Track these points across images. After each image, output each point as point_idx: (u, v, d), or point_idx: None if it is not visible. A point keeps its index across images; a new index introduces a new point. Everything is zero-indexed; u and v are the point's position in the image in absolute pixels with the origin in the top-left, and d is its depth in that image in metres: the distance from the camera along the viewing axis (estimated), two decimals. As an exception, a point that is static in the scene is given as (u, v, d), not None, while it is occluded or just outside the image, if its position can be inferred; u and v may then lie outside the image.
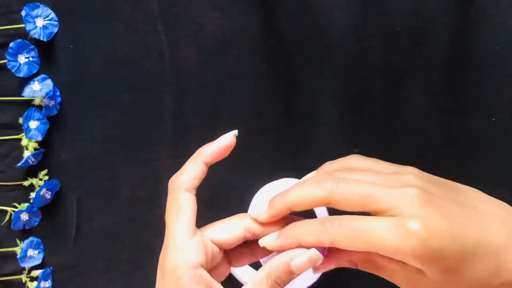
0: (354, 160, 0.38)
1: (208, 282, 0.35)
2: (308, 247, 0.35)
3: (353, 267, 0.37)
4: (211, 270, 0.37)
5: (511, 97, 0.51)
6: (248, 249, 0.40)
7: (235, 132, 0.39)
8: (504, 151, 0.52)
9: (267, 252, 0.39)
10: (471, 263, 0.32)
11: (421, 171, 0.36)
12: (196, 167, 0.38)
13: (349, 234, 0.33)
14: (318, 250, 0.35)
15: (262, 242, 0.37)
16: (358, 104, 0.52)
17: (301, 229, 0.35)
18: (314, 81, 0.52)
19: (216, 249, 0.38)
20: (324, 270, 0.37)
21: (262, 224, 0.37)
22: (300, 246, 0.35)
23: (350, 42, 0.51)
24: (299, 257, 0.35)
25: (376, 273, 0.36)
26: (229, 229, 0.38)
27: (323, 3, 0.51)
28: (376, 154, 0.39)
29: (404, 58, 0.51)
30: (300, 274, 0.35)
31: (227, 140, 0.39)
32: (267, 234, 0.37)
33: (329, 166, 0.39)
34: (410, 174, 0.35)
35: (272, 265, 0.35)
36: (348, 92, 0.52)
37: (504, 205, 0.36)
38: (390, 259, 0.35)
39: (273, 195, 0.37)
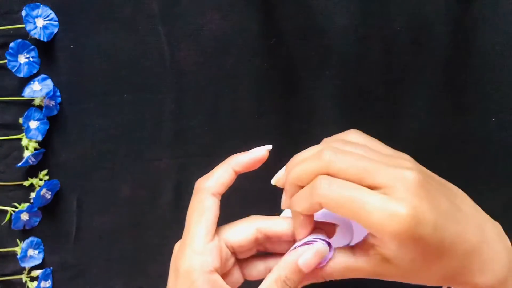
0: (353, 135, 0.38)
1: (222, 287, 0.35)
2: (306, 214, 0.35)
3: (321, 281, 0.37)
4: (223, 275, 0.37)
5: (511, 97, 0.51)
6: (262, 261, 0.40)
7: (269, 147, 0.39)
8: (504, 151, 0.52)
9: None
10: (442, 258, 0.33)
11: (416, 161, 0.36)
12: (226, 174, 0.38)
13: (339, 198, 0.33)
14: (324, 244, 0.35)
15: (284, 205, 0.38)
16: (358, 104, 0.52)
17: (296, 198, 0.36)
18: (314, 81, 0.52)
19: (229, 253, 0.38)
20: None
21: (288, 233, 0.38)
22: (304, 217, 0.35)
23: (350, 42, 0.51)
24: (305, 254, 0.35)
25: (345, 277, 0.36)
26: (241, 230, 0.38)
27: (323, 3, 0.51)
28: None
29: (404, 58, 0.51)
30: (310, 272, 0.35)
31: (260, 153, 0.39)
32: (278, 236, 0.38)
33: (328, 140, 0.39)
34: (408, 160, 0.35)
35: (280, 267, 0.35)
36: (348, 92, 0.52)
37: (482, 213, 0.37)
38: (356, 257, 0.35)
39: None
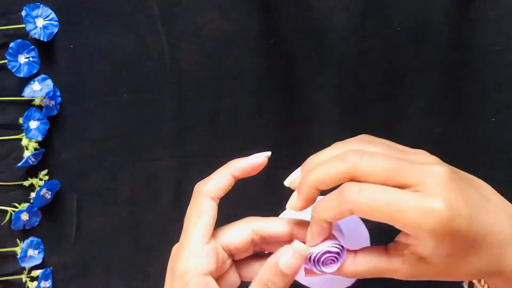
0: (365, 138, 0.37)
1: None
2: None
3: (352, 277, 0.36)
4: (219, 277, 0.37)
5: (511, 97, 0.51)
6: (258, 261, 0.40)
7: (268, 153, 0.39)
8: (504, 151, 0.52)
9: None
10: (477, 250, 0.33)
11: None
12: (225, 178, 0.38)
13: (370, 203, 0.32)
14: (340, 250, 0.35)
15: (288, 207, 0.37)
16: (358, 104, 0.52)
17: (321, 206, 0.34)
18: (314, 81, 0.52)
19: (225, 255, 0.38)
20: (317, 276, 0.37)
21: (285, 235, 0.37)
22: (328, 225, 0.35)
23: (350, 42, 0.51)
24: (285, 255, 0.34)
25: (378, 276, 0.36)
26: (237, 232, 0.38)
27: (323, 3, 0.51)
28: (376, 154, 0.39)
29: (404, 58, 0.51)
30: (293, 273, 0.35)
31: (259, 159, 0.39)
32: (274, 237, 0.38)
33: (341, 143, 0.38)
34: (429, 155, 0.35)
35: (262, 271, 0.35)
36: (348, 92, 0.52)
37: (505, 199, 0.36)
38: (390, 258, 0.34)
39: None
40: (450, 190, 0.32)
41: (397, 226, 0.33)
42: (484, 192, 0.35)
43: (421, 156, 0.35)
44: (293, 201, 0.36)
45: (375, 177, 0.33)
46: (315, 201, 0.36)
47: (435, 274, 0.34)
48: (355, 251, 0.36)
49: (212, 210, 0.37)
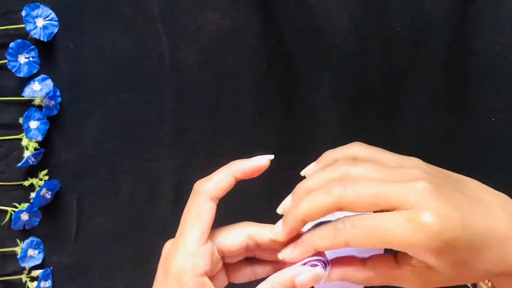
0: (356, 149, 0.38)
1: None
2: (323, 252, 0.35)
3: (361, 284, 0.36)
4: (210, 278, 0.37)
5: (511, 97, 0.51)
6: (249, 266, 0.40)
7: (271, 156, 0.39)
8: (504, 151, 0.52)
9: (267, 271, 0.39)
10: (480, 254, 0.33)
11: (426, 163, 0.36)
12: (226, 179, 0.38)
13: (362, 232, 0.33)
14: (322, 266, 0.35)
15: (281, 256, 0.36)
16: (358, 104, 0.52)
17: (315, 236, 0.35)
18: (314, 81, 0.52)
19: (219, 257, 0.38)
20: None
21: (280, 242, 0.37)
22: (317, 252, 0.35)
23: (350, 42, 0.51)
24: (304, 274, 0.35)
25: (387, 284, 0.36)
26: (233, 236, 0.38)
27: (323, 3, 0.51)
28: (376, 154, 0.39)
29: (404, 58, 0.51)
30: None
31: (262, 162, 0.39)
32: (268, 244, 0.37)
33: (331, 154, 0.39)
34: (415, 167, 0.35)
35: (275, 280, 0.35)
36: (348, 92, 0.52)
37: (502, 194, 0.36)
38: (400, 267, 0.35)
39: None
40: (436, 202, 0.32)
41: (394, 248, 0.33)
42: (475, 194, 0.35)
43: (407, 171, 0.34)
44: (277, 232, 0.37)
45: (361, 205, 0.33)
46: (299, 231, 0.36)
47: (444, 281, 0.34)
48: (365, 258, 0.36)
49: (211, 211, 0.37)
